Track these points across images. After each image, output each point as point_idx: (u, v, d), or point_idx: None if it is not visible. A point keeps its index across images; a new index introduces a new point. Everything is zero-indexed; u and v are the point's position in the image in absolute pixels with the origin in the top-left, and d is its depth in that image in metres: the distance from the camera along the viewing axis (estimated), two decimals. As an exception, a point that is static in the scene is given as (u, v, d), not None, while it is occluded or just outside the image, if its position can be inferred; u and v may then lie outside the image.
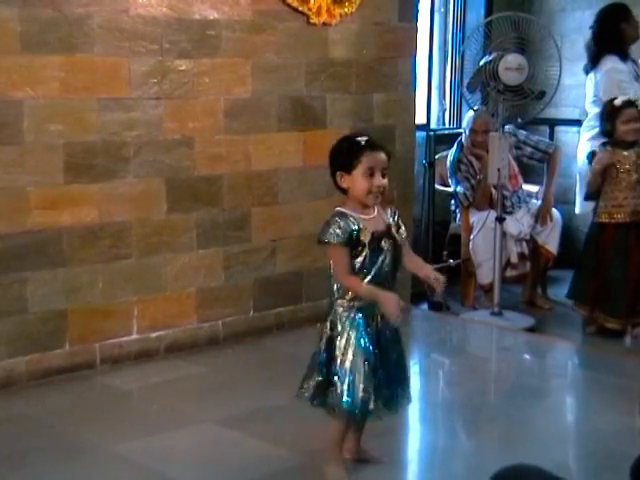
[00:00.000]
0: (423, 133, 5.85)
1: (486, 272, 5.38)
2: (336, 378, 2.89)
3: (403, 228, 3.02)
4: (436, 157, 5.81)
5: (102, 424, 3.54)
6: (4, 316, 3.87)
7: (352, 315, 2.92)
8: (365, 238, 2.88)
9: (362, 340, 2.90)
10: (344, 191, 2.94)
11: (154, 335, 4.33)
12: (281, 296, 4.78)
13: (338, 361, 2.90)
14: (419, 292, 5.48)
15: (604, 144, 4.95)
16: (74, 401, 3.83)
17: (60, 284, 4.01)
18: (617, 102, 4.92)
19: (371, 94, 5.03)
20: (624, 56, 5.40)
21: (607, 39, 5.39)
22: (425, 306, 5.51)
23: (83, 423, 3.56)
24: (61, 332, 4.04)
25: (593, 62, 5.44)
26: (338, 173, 2.92)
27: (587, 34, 5.60)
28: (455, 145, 5.68)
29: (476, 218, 5.51)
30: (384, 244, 2.92)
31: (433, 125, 6.42)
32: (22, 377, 3.93)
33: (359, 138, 2.93)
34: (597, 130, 5.26)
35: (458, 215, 5.75)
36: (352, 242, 2.87)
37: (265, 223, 4.68)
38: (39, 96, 3.87)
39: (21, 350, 3.93)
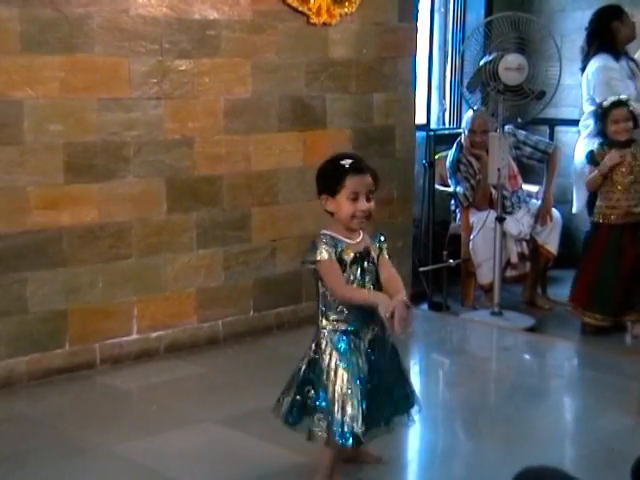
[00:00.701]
0: (423, 133, 5.85)
1: (486, 272, 5.38)
2: (323, 405, 2.81)
3: (385, 255, 2.94)
4: (436, 157, 5.81)
5: (102, 424, 3.54)
6: (4, 316, 3.87)
7: (337, 338, 2.85)
8: (347, 257, 2.83)
9: (350, 366, 2.81)
10: (330, 213, 2.90)
11: (154, 335, 4.33)
12: (281, 296, 4.78)
13: (329, 389, 2.80)
14: (419, 292, 5.49)
15: (601, 144, 4.95)
16: (74, 401, 3.83)
17: (60, 284, 4.01)
18: (606, 103, 4.94)
19: (371, 94, 5.03)
20: (617, 54, 5.39)
21: (599, 38, 5.43)
22: (425, 306, 5.51)
23: (83, 423, 3.56)
24: (61, 332, 4.04)
25: (586, 61, 5.46)
26: (323, 196, 2.89)
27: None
28: (454, 145, 5.68)
29: (476, 218, 5.51)
30: (365, 265, 2.87)
31: (433, 125, 6.42)
32: (22, 377, 3.93)
33: (343, 161, 2.85)
34: (591, 129, 5.28)
35: (458, 215, 5.75)
36: (339, 259, 2.83)
37: (265, 223, 4.68)
38: (39, 96, 3.87)
39: (21, 350, 3.93)
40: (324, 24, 4.74)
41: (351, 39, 4.88)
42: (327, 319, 2.88)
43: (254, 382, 4.02)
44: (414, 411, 3.03)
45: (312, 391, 2.85)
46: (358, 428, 2.77)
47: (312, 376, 2.86)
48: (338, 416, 2.78)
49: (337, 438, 2.79)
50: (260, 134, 4.60)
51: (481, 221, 5.40)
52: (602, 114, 4.95)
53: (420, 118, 5.93)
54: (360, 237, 2.91)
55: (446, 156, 5.79)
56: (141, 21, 4.13)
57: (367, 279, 2.87)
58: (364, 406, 2.79)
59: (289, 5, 4.60)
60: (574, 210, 5.70)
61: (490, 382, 4.40)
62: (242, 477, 3.11)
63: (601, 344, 4.85)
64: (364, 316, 2.85)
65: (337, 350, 2.83)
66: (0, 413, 3.64)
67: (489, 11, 6.36)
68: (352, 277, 2.85)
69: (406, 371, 3.09)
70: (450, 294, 5.58)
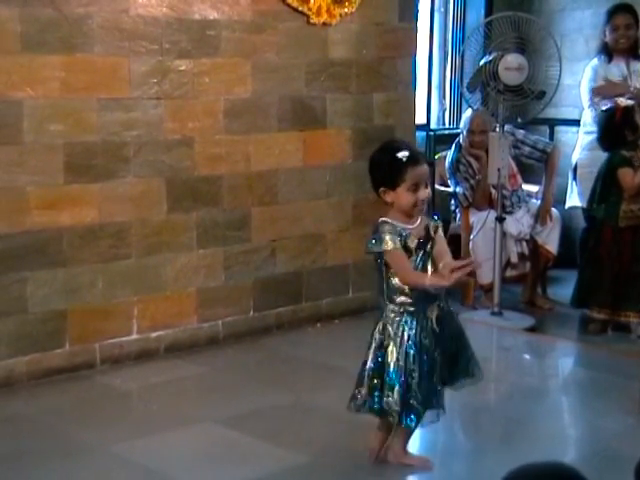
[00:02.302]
0: (423, 133, 5.85)
1: (486, 272, 5.37)
2: (388, 384, 2.91)
3: (441, 232, 3.04)
4: (436, 157, 5.81)
5: (102, 424, 3.54)
6: (4, 316, 3.87)
7: (405, 320, 2.94)
8: (412, 244, 2.91)
9: (414, 347, 2.91)
10: (387, 203, 2.96)
11: (154, 335, 4.33)
12: (281, 296, 4.78)
13: (391, 368, 2.91)
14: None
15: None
16: (74, 401, 3.83)
17: (60, 284, 4.01)
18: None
19: (371, 94, 5.03)
20: (605, 54, 5.39)
21: (599, 41, 5.46)
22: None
23: (83, 423, 3.56)
24: (61, 332, 4.04)
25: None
26: (381, 189, 2.94)
27: (587, 34, 5.61)
28: (453, 146, 5.68)
29: (476, 218, 5.50)
30: (428, 249, 2.96)
31: (433, 125, 6.42)
32: (22, 377, 3.93)
33: (400, 154, 2.90)
34: (595, 136, 5.29)
35: (458, 215, 5.75)
36: (404, 246, 2.90)
37: (265, 223, 4.68)
38: (39, 96, 3.87)
39: (21, 350, 3.93)
40: (324, 24, 4.74)
41: (351, 39, 4.88)
42: (393, 302, 2.95)
43: (254, 382, 4.02)
44: (476, 371, 3.18)
45: (384, 373, 2.93)
46: (419, 411, 2.94)
47: (380, 361, 2.94)
48: (401, 398, 2.90)
49: (398, 419, 2.93)
50: (260, 134, 4.60)
51: (481, 221, 5.40)
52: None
53: (420, 118, 5.93)
54: (419, 220, 2.97)
55: (445, 156, 5.79)
56: (141, 21, 4.13)
57: (426, 262, 2.97)
58: (431, 384, 2.95)
59: (289, 5, 4.60)
60: (566, 206, 5.70)
61: (490, 382, 4.39)
62: (242, 477, 3.11)
63: (601, 344, 4.85)
64: (428, 295, 2.95)
65: (404, 333, 2.92)
66: (0, 413, 3.64)
67: (489, 11, 6.36)
68: (418, 261, 2.93)
69: (467, 338, 3.17)
70: (450, 294, 5.56)
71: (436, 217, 3.06)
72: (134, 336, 4.26)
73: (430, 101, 6.34)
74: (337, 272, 4.97)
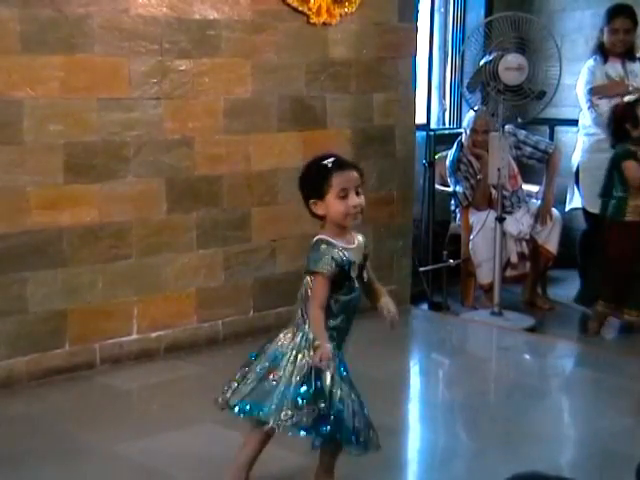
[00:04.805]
0: (423, 133, 5.85)
1: (486, 272, 5.38)
2: (332, 409, 2.74)
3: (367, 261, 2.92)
4: (436, 157, 5.81)
5: (102, 424, 3.54)
6: (4, 316, 3.87)
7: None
8: (354, 273, 2.80)
9: (343, 370, 2.80)
10: (320, 217, 2.83)
11: (154, 335, 4.33)
12: (281, 296, 4.77)
13: (337, 394, 2.74)
14: (419, 292, 5.49)
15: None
16: (74, 401, 3.83)
17: (60, 284, 4.01)
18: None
19: (371, 94, 5.03)
20: (602, 56, 5.36)
21: (596, 41, 5.43)
22: (425, 306, 5.51)
23: (83, 423, 3.56)
24: (61, 332, 4.04)
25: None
26: (311, 201, 2.81)
27: (587, 34, 5.59)
28: (455, 145, 5.68)
29: (476, 218, 5.51)
30: (364, 274, 2.85)
31: (433, 125, 6.41)
32: (22, 377, 3.93)
33: (325, 161, 2.79)
34: (596, 137, 5.28)
35: (458, 215, 5.75)
36: (339, 275, 2.77)
37: (265, 223, 4.68)
38: (39, 96, 3.87)
39: (21, 350, 3.93)
40: (324, 24, 4.74)
41: (351, 39, 4.88)
42: (305, 323, 2.83)
43: (254, 382, 4.02)
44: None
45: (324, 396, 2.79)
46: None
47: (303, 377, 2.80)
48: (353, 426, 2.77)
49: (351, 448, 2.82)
50: (260, 134, 4.60)
51: (481, 221, 5.40)
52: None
53: (420, 118, 5.93)
54: (355, 241, 2.85)
55: (446, 156, 5.79)
56: (141, 21, 4.13)
57: (360, 286, 2.86)
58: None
59: (289, 5, 4.59)
60: (567, 208, 5.70)
61: (490, 382, 4.40)
62: (242, 477, 3.11)
63: (601, 344, 4.85)
64: (347, 328, 2.85)
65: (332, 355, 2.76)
66: (0, 413, 3.64)
67: (489, 11, 6.36)
68: (351, 288, 2.81)
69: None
70: (450, 294, 5.58)
71: (364, 239, 2.90)
72: (134, 336, 4.27)
73: (430, 101, 6.33)
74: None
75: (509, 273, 5.52)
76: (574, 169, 5.54)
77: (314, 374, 2.76)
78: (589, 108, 5.35)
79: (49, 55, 3.88)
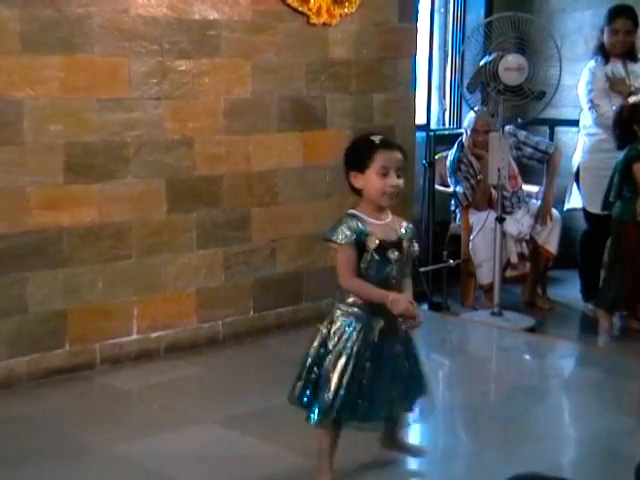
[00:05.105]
0: (423, 133, 5.85)
1: (486, 272, 5.38)
2: (321, 382, 2.84)
3: (416, 247, 2.95)
4: (436, 157, 5.81)
5: (102, 424, 3.54)
6: (4, 316, 3.87)
7: (348, 322, 2.85)
8: (371, 244, 2.81)
9: (350, 353, 2.82)
10: (358, 192, 2.88)
11: (154, 335, 4.33)
12: (281, 296, 4.78)
13: (327, 370, 2.83)
14: (419, 292, 5.48)
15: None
16: (74, 401, 3.83)
17: (60, 284, 4.01)
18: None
19: (371, 94, 5.03)
20: (603, 56, 5.35)
21: (597, 41, 5.41)
22: (425, 306, 5.51)
23: (83, 423, 3.56)
24: (61, 332, 4.04)
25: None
26: (352, 173, 2.86)
27: (587, 34, 5.58)
28: (455, 145, 5.69)
29: (476, 218, 5.51)
30: (391, 255, 2.84)
31: (433, 125, 6.42)
32: (22, 377, 3.93)
33: (373, 137, 2.87)
34: (597, 138, 5.28)
35: (458, 215, 5.75)
36: (359, 245, 2.80)
37: (265, 223, 4.68)
38: (39, 96, 3.87)
39: (21, 350, 3.93)
40: (324, 24, 4.74)
41: (351, 39, 4.88)
42: (343, 301, 2.88)
43: (254, 382, 4.02)
44: (422, 406, 3.05)
45: (317, 370, 2.87)
46: (334, 410, 2.81)
47: (321, 354, 2.87)
48: (323, 396, 2.82)
49: (314, 414, 2.84)
50: (260, 134, 4.60)
51: (481, 221, 5.40)
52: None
53: (420, 118, 5.93)
54: (389, 218, 2.89)
55: (446, 156, 5.80)
56: (141, 21, 4.13)
57: (390, 269, 2.85)
58: (351, 393, 2.81)
59: (289, 5, 4.60)
60: (565, 207, 5.69)
61: (490, 382, 4.40)
62: (242, 477, 3.11)
63: (601, 344, 4.85)
64: (377, 305, 2.84)
65: (344, 334, 2.84)
66: (0, 413, 3.64)
67: (489, 11, 6.36)
68: (373, 268, 2.82)
69: (421, 363, 3.05)
70: (450, 294, 5.58)
71: (413, 232, 2.94)
72: (134, 336, 4.27)
73: (430, 101, 6.34)
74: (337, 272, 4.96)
75: (509, 273, 5.52)
76: (574, 169, 5.54)
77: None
78: (590, 109, 5.34)
79: (49, 55, 3.88)
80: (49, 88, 3.90)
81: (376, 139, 2.86)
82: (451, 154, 5.70)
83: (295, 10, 4.63)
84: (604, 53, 5.32)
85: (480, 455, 3.35)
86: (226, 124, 4.47)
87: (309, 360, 2.91)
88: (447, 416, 3.85)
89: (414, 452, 3.24)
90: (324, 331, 2.90)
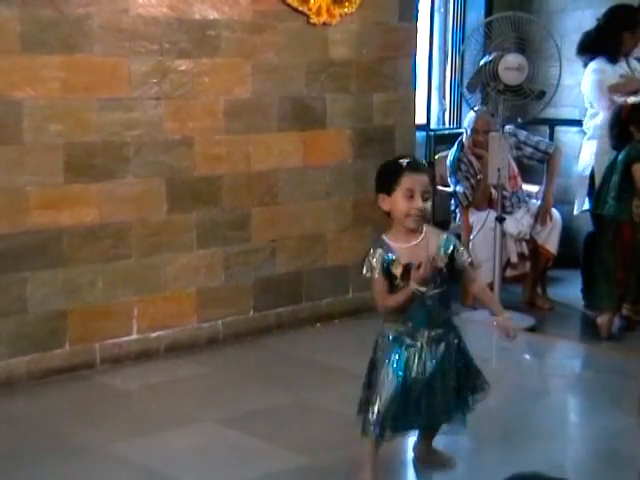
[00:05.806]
0: (423, 133, 5.85)
1: (486, 272, 5.37)
2: (370, 399, 2.90)
3: (465, 256, 2.97)
4: (436, 157, 5.81)
5: (102, 424, 3.54)
6: (4, 316, 3.87)
7: (391, 339, 2.92)
8: (396, 270, 2.85)
9: (396, 367, 2.88)
10: (388, 215, 2.94)
11: (154, 335, 4.33)
12: (281, 296, 4.78)
13: (375, 386, 2.90)
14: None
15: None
16: (74, 401, 3.83)
17: (60, 284, 4.01)
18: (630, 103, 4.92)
19: (371, 94, 5.03)
20: (614, 58, 5.33)
21: (604, 42, 5.33)
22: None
23: (83, 423, 3.56)
24: (61, 332, 4.04)
25: (587, 59, 5.41)
26: (380, 195, 2.93)
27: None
28: (455, 145, 5.68)
29: (476, 218, 5.51)
30: (434, 279, 2.88)
31: (433, 125, 6.42)
32: (22, 377, 3.93)
33: (401, 160, 2.92)
34: (599, 129, 5.26)
35: (458, 215, 5.75)
36: (388, 272, 2.85)
37: (265, 223, 4.68)
38: (39, 96, 3.87)
39: (21, 350, 3.93)
40: (324, 24, 4.74)
41: (351, 39, 4.88)
42: (386, 320, 2.95)
43: (254, 382, 4.02)
44: (485, 387, 3.14)
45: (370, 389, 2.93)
46: (384, 428, 2.86)
47: (371, 375, 2.94)
48: (374, 413, 2.85)
49: (369, 429, 2.86)
50: (260, 134, 4.60)
51: (481, 221, 5.40)
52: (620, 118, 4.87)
53: (420, 118, 5.93)
54: (420, 238, 2.91)
55: (446, 156, 5.79)
56: (141, 21, 4.13)
57: (430, 292, 2.88)
58: (401, 406, 2.87)
59: (289, 5, 4.60)
60: (575, 212, 5.68)
61: (490, 382, 4.39)
62: (242, 477, 3.11)
63: (601, 344, 4.85)
64: (420, 317, 2.90)
65: (388, 351, 2.90)
66: (0, 413, 3.64)
67: (489, 11, 6.36)
68: (432, 302, 2.90)
69: (476, 372, 3.15)
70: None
71: (453, 245, 2.95)
72: (134, 336, 4.27)
73: (430, 101, 6.34)
74: (337, 272, 4.97)
75: (509, 273, 5.52)
76: (586, 173, 5.40)
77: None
78: (604, 109, 5.26)
79: (49, 55, 3.88)
80: (49, 88, 3.90)
81: (403, 162, 2.91)
82: (451, 154, 5.69)
83: (295, 10, 4.63)
84: (612, 52, 5.30)
85: (480, 455, 3.35)
86: (226, 124, 4.47)
87: (365, 381, 2.97)
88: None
89: (446, 463, 3.21)
90: (372, 354, 2.97)
